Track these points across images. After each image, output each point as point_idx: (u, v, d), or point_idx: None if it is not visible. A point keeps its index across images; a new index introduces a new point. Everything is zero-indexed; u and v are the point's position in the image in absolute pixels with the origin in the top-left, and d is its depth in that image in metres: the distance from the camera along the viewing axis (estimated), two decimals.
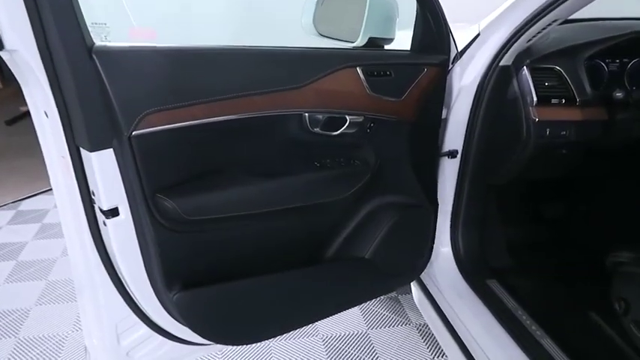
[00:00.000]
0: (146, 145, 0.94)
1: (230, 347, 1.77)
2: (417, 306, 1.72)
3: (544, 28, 1.25)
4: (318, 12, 1.32)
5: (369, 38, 1.24)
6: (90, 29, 0.86)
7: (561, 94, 1.41)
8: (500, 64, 1.34)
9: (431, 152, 1.44)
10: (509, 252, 1.73)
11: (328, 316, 1.40)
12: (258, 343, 1.81)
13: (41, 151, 1.02)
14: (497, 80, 1.36)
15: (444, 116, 1.41)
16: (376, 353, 1.80)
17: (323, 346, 1.83)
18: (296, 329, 1.75)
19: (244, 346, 1.78)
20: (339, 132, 1.21)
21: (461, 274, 1.54)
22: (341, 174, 1.27)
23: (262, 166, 1.16)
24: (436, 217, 1.49)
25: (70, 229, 1.05)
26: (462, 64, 1.39)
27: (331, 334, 1.90)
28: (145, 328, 1.16)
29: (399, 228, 1.39)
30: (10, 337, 1.89)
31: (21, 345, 1.84)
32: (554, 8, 1.16)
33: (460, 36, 1.40)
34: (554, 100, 1.41)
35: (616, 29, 1.52)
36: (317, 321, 1.43)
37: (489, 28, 1.34)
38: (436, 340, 1.84)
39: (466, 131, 1.41)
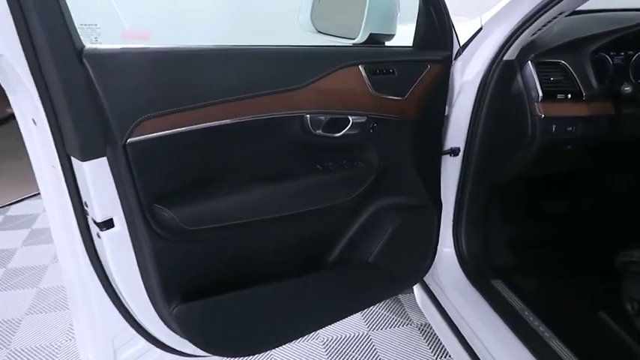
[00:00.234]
0: (142, 153, 0.90)
1: None
2: (420, 307, 1.69)
3: (550, 21, 1.22)
4: (316, 8, 1.29)
5: (370, 35, 1.20)
6: (79, 31, 0.81)
7: (567, 89, 1.38)
8: (504, 58, 1.30)
9: (434, 152, 1.40)
10: (514, 251, 1.71)
11: (333, 323, 1.36)
12: None
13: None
14: (500, 75, 1.32)
15: (445, 113, 1.38)
16: (378, 355, 1.78)
17: (324, 350, 1.81)
18: (298, 338, 1.72)
19: None
20: (341, 133, 1.17)
21: (464, 274, 1.51)
22: (344, 177, 1.23)
23: (263, 172, 1.12)
24: (440, 218, 1.46)
25: (62, 240, 1.01)
26: (464, 60, 1.35)
27: (332, 336, 1.88)
28: (142, 342, 1.13)
29: (403, 230, 1.36)
30: (1, 348, 1.83)
31: (13, 357, 1.79)
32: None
33: (461, 30, 1.37)
34: (560, 96, 1.37)
35: (621, 21, 1.49)
36: (321, 328, 1.40)
37: (492, 21, 1.31)
38: (438, 340, 1.83)
39: (468, 128, 1.38)
